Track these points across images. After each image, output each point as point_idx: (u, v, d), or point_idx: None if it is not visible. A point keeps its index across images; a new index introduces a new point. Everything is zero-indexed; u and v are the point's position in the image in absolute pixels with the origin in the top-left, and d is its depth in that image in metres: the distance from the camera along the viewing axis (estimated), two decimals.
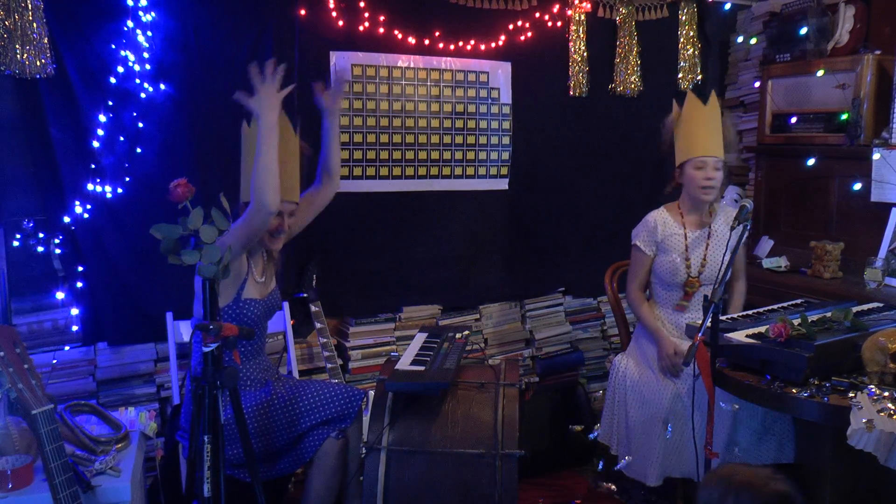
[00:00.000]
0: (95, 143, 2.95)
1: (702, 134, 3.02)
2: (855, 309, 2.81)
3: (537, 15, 3.81)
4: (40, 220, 2.96)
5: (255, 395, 2.63)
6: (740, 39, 4.28)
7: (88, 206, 2.98)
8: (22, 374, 1.95)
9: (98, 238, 3.02)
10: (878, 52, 3.45)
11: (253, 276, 2.67)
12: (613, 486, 3.37)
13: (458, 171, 3.82)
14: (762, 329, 2.58)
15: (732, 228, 2.82)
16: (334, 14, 3.36)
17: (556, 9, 3.84)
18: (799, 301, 3.12)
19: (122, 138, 3.00)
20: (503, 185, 3.94)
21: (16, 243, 2.91)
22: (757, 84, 4.11)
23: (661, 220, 3.12)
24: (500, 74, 3.83)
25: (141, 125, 3.03)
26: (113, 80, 2.95)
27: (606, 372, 3.46)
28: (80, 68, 2.90)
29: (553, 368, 3.96)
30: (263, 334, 2.80)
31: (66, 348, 3.05)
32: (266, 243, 2.66)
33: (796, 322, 2.52)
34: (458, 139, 3.79)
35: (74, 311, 3.04)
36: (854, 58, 3.51)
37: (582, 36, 3.91)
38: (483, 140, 3.85)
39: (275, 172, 2.39)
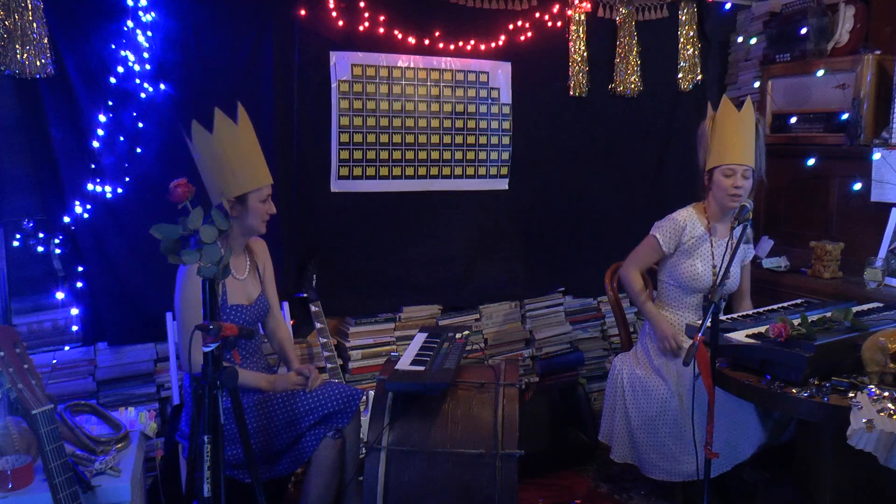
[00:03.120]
0: (95, 143, 2.95)
1: (733, 141, 2.97)
2: (855, 309, 2.81)
3: (537, 15, 3.81)
4: (40, 220, 2.96)
5: (252, 395, 2.63)
6: (740, 39, 4.28)
7: (88, 206, 2.98)
8: (22, 374, 1.95)
9: (98, 238, 3.02)
10: (878, 52, 3.45)
11: (232, 274, 2.67)
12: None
13: (458, 171, 3.81)
14: (762, 329, 2.58)
15: (732, 228, 2.82)
16: (334, 14, 3.36)
17: (556, 9, 3.84)
18: (799, 301, 3.12)
19: (122, 138, 3.00)
20: (503, 185, 3.94)
21: (16, 243, 2.91)
22: (757, 84, 4.11)
23: (691, 222, 3.05)
24: (500, 74, 3.83)
25: (141, 125, 3.03)
26: (113, 80, 2.95)
27: (606, 372, 3.46)
28: (80, 68, 2.90)
29: (553, 368, 3.95)
30: (257, 335, 2.82)
31: (66, 348, 3.05)
32: (259, 229, 2.67)
33: (796, 322, 2.53)
34: (458, 139, 3.79)
35: (74, 311, 3.04)
36: (854, 58, 3.51)
37: (582, 36, 3.91)
38: (483, 140, 3.84)
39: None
